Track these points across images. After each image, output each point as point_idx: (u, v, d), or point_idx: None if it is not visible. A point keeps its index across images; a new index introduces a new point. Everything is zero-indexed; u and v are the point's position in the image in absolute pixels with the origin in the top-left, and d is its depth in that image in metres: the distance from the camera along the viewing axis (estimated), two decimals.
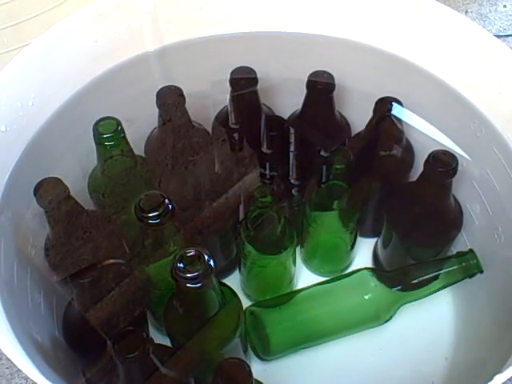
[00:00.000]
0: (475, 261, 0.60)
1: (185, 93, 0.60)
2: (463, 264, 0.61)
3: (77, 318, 0.57)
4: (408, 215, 0.65)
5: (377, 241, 0.72)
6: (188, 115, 0.62)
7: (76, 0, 0.68)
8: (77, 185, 0.58)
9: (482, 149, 0.60)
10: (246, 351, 0.63)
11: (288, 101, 0.68)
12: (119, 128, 0.56)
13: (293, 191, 0.72)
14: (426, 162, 0.59)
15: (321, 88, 0.63)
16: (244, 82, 0.64)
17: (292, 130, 0.68)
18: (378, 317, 0.63)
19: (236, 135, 0.67)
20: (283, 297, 0.66)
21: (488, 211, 0.62)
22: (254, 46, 0.67)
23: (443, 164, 0.58)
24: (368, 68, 0.66)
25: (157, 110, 0.61)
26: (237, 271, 0.70)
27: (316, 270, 0.72)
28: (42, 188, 0.53)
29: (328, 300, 0.65)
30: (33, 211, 0.56)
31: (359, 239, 0.71)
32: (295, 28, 0.66)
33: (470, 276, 0.61)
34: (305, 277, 0.72)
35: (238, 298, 0.57)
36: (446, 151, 0.59)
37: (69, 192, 0.54)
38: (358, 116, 0.67)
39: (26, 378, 0.68)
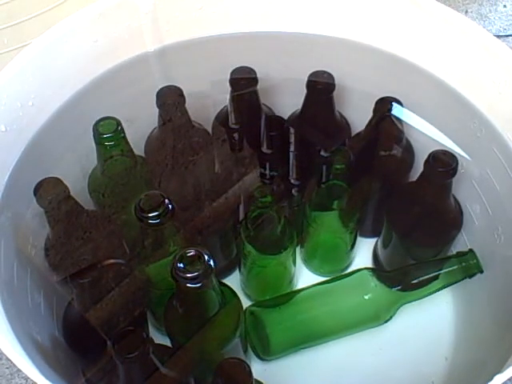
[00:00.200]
0: (475, 261, 0.60)
1: (185, 93, 0.60)
2: (463, 264, 0.61)
3: (77, 318, 0.57)
4: (408, 215, 0.65)
5: (377, 241, 0.72)
6: (188, 115, 0.62)
7: (76, 0, 0.68)
8: (77, 185, 0.58)
9: (482, 149, 0.60)
10: (246, 351, 0.63)
11: (288, 101, 0.68)
12: (119, 128, 0.56)
13: (293, 191, 0.72)
14: (426, 161, 0.59)
15: (321, 88, 0.63)
16: (244, 82, 0.64)
17: (292, 130, 0.68)
18: (378, 317, 0.63)
19: (236, 135, 0.67)
20: (283, 297, 0.66)
21: (488, 211, 0.62)
22: (254, 46, 0.67)
23: (443, 164, 0.58)
24: (368, 68, 0.66)
25: (157, 110, 0.61)
26: (237, 271, 0.70)
27: (316, 270, 0.72)
28: (42, 188, 0.53)
29: (328, 300, 0.65)
30: (33, 211, 0.56)
31: (359, 239, 0.71)
32: (295, 28, 0.66)
33: (470, 276, 0.61)
34: (305, 277, 0.72)
35: (238, 298, 0.57)
36: (445, 151, 0.59)
37: (69, 192, 0.54)
38: (358, 116, 0.67)
39: (26, 378, 0.68)
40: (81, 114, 0.61)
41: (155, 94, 0.60)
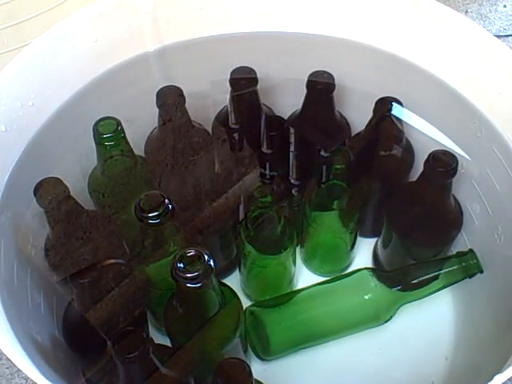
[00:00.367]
0: (475, 261, 0.60)
1: (185, 93, 0.60)
2: (463, 264, 0.61)
3: (77, 318, 0.57)
4: (408, 215, 0.65)
5: (377, 241, 0.72)
6: (188, 115, 0.62)
7: (76, 0, 0.68)
8: (77, 185, 0.58)
9: (482, 149, 0.60)
10: (246, 351, 0.63)
11: (288, 101, 0.68)
12: (119, 128, 0.56)
13: (293, 191, 0.72)
14: (426, 161, 0.59)
15: (321, 88, 0.63)
16: (244, 82, 0.64)
17: (292, 130, 0.68)
18: (378, 317, 0.63)
19: (236, 135, 0.67)
20: (283, 297, 0.66)
21: (488, 211, 0.62)
22: (254, 46, 0.67)
23: (443, 164, 0.58)
24: (368, 68, 0.66)
25: (157, 110, 0.61)
26: (237, 271, 0.70)
27: (316, 270, 0.72)
28: (42, 188, 0.53)
29: (328, 300, 0.65)
30: (33, 211, 0.56)
31: (359, 239, 0.71)
32: (295, 28, 0.66)
33: (470, 276, 0.61)
34: (305, 277, 0.72)
35: (238, 298, 0.57)
36: (445, 151, 0.59)
37: (69, 192, 0.54)
38: (358, 116, 0.67)
39: (26, 378, 0.68)
40: (81, 114, 0.61)
41: (155, 94, 0.60)
